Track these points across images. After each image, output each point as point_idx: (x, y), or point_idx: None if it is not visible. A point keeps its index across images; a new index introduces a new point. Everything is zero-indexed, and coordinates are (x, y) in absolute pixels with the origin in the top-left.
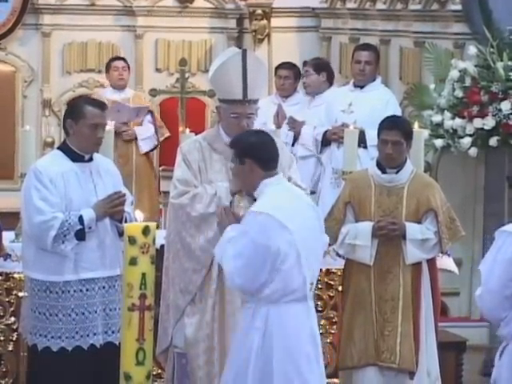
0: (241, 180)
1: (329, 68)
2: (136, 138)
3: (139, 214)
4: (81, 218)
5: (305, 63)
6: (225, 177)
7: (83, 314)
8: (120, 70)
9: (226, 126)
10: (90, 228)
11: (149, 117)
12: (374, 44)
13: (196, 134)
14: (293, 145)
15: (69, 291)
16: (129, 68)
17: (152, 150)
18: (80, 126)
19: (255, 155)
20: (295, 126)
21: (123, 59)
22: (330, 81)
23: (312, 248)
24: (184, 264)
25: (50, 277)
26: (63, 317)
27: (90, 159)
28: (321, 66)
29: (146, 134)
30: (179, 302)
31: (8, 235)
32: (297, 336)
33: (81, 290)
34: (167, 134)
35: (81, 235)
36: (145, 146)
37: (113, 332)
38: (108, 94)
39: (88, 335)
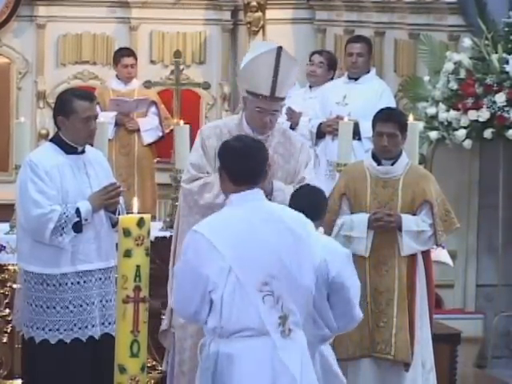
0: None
1: (336, 67)
2: (139, 129)
3: (135, 202)
4: (78, 211)
5: (320, 53)
6: None
7: (81, 306)
8: (129, 68)
9: (250, 117)
10: (86, 220)
11: (153, 108)
12: (369, 36)
13: (190, 126)
14: None
15: (66, 283)
16: (136, 60)
17: (156, 142)
18: (72, 122)
19: (227, 165)
20: (293, 117)
21: (132, 54)
22: (332, 79)
23: (282, 277)
24: None
25: (47, 269)
26: (61, 309)
27: (83, 151)
28: (334, 63)
29: (148, 126)
30: None
31: (2, 227)
32: (251, 379)
33: (78, 282)
34: (173, 126)
35: (78, 227)
36: (147, 138)
37: (109, 323)
38: (114, 85)
39: (86, 327)
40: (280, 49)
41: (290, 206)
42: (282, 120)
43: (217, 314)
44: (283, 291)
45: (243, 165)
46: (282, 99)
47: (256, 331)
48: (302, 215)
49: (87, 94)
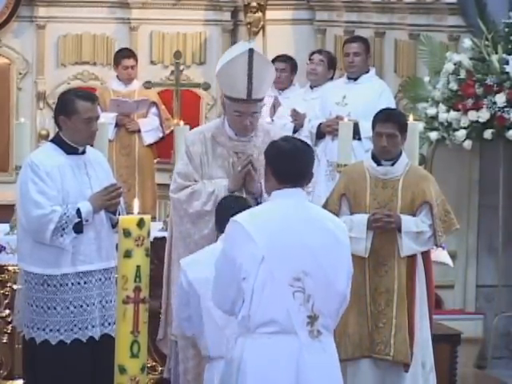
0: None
1: (336, 66)
2: (139, 130)
3: (136, 203)
4: (78, 211)
5: (320, 51)
6: (226, 172)
7: (81, 306)
8: (129, 69)
9: (230, 121)
10: (86, 221)
11: (154, 109)
12: (369, 36)
13: (190, 126)
14: None
15: (67, 284)
16: (137, 61)
17: (157, 142)
18: (74, 122)
19: (273, 164)
20: (298, 119)
21: (133, 55)
22: (331, 79)
23: (316, 277)
24: (181, 254)
25: (48, 270)
26: (61, 310)
27: (83, 152)
28: (334, 63)
29: (149, 127)
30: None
31: (2, 227)
32: (271, 378)
33: (78, 283)
34: (173, 127)
35: (78, 228)
36: (148, 138)
37: (109, 324)
38: (114, 86)
39: (87, 328)
40: (251, 51)
41: (216, 218)
42: (286, 121)
43: (247, 302)
44: (316, 291)
45: (290, 165)
46: (260, 100)
47: (282, 327)
48: (340, 220)
49: (89, 95)
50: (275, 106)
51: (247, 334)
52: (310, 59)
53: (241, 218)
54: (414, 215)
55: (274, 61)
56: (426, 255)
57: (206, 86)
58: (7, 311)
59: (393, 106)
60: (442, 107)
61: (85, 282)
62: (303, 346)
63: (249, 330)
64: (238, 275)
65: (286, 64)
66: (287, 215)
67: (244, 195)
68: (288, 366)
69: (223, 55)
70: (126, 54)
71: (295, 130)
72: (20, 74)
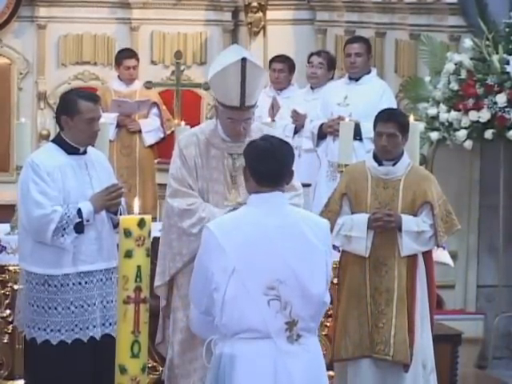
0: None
1: (335, 66)
2: (140, 131)
3: (136, 203)
4: (79, 211)
5: (319, 53)
6: (221, 173)
7: (82, 306)
8: (131, 69)
9: (223, 126)
10: (87, 221)
11: (155, 110)
12: (370, 37)
13: (191, 126)
14: (292, 137)
15: (68, 284)
16: (138, 62)
17: (158, 143)
18: (76, 122)
19: (251, 164)
20: (298, 119)
21: (134, 56)
22: (332, 78)
23: (291, 284)
24: (166, 256)
25: (49, 270)
26: (62, 310)
27: (85, 152)
28: (333, 63)
29: (150, 127)
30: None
31: (3, 228)
32: (252, 381)
33: (79, 283)
34: (174, 127)
35: (79, 228)
36: (149, 139)
37: (110, 324)
38: (115, 86)
39: (88, 328)
40: (244, 60)
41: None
42: (287, 122)
43: (218, 313)
44: (293, 297)
45: (267, 165)
46: (253, 106)
47: (260, 334)
48: (324, 222)
49: (92, 95)
50: (273, 107)
51: (225, 339)
52: (308, 62)
53: (213, 225)
54: (415, 215)
55: (272, 61)
56: (427, 255)
57: (207, 86)
58: (8, 311)
59: (394, 106)
60: (443, 107)
61: (86, 282)
62: (281, 352)
63: (226, 336)
64: (210, 285)
65: (284, 64)
66: (261, 222)
67: None
68: (266, 370)
69: (215, 61)
70: (127, 54)
71: (296, 131)
72: (21, 74)
